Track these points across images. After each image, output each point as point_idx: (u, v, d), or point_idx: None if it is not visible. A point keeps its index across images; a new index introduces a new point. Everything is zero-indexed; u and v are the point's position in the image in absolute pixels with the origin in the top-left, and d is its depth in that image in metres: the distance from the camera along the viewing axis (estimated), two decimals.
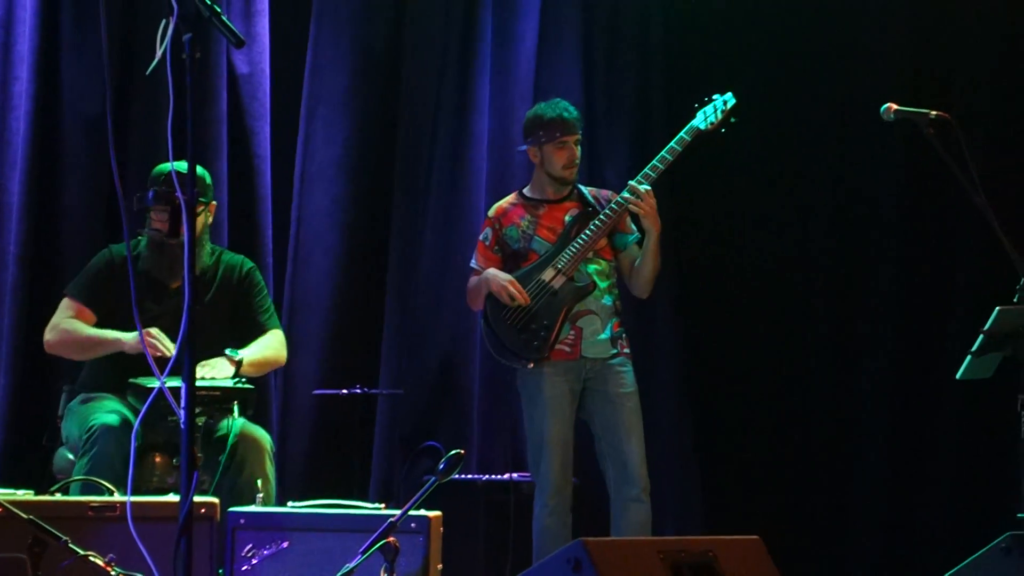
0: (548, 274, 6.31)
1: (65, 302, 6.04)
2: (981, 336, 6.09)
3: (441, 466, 4.64)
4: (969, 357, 6.18)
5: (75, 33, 6.91)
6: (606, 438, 6.32)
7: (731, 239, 7.96)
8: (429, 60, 7.66)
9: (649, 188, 6.29)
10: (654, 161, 6.33)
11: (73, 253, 6.81)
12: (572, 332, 6.32)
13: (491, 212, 6.55)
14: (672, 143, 6.35)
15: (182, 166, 3.93)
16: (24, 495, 4.89)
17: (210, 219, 6.16)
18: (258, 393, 6.02)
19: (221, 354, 5.86)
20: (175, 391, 4.04)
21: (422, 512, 5.11)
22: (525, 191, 6.54)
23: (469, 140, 7.64)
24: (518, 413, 7.48)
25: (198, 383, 5.44)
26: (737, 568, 4.26)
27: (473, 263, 6.52)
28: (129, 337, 5.76)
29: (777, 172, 7.93)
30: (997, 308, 6.01)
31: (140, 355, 5.34)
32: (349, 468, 7.25)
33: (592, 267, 6.38)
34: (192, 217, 3.84)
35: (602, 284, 6.37)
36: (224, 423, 5.69)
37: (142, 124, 6.93)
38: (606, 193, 6.53)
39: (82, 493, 5.28)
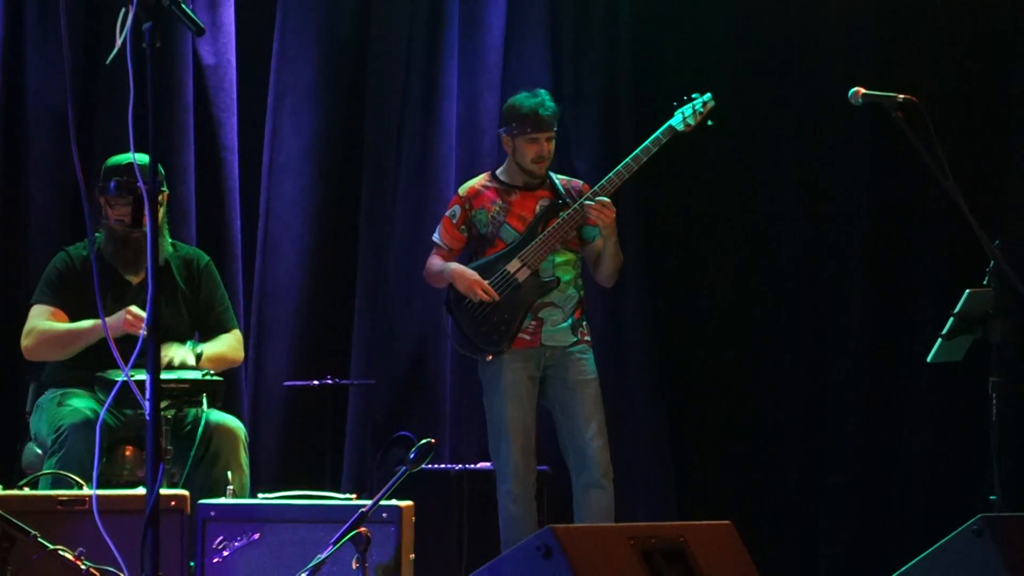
0: (513, 265, 6.32)
1: (35, 309, 5.94)
2: (951, 319, 6.12)
3: (412, 455, 4.63)
4: (940, 340, 6.21)
5: (39, 25, 6.87)
6: (566, 426, 6.35)
7: (700, 224, 7.96)
8: (396, 48, 7.63)
9: (607, 200, 6.27)
10: (625, 161, 6.36)
11: (39, 245, 6.77)
12: (533, 322, 6.35)
13: (462, 191, 6.54)
14: (647, 143, 6.37)
15: (139, 157, 3.90)
16: None
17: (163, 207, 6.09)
18: (228, 385, 5.99)
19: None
20: (141, 384, 4.02)
21: (394, 502, 5.10)
22: (498, 172, 6.54)
23: (437, 128, 7.62)
24: None
25: (165, 375, 5.42)
26: (709, 553, 4.25)
27: (436, 238, 6.53)
28: (109, 321, 5.66)
29: (745, 156, 7.93)
30: (967, 291, 6.04)
31: (107, 347, 5.31)
32: (321, 459, 7.24)
33: (559, 258, 6.38)
34: (155, 207, 3.82)
35: (566, 277, 6.39)
36: (193, 414, 5.66)
37: (106, 116, 6.90)
38: (577, 184, 6.55)
39: (51, 487, 5.25)
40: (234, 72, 7.27)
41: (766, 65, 7.94)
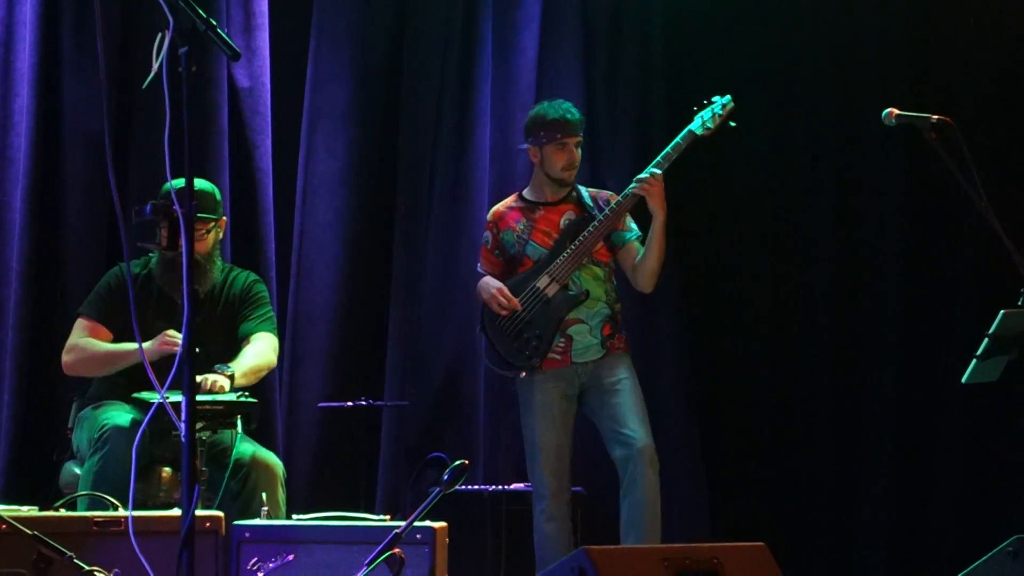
0: (542, 281, 6.32)
1: (79, 322, 6.04)
2: (986, 339, 6.08)
3: (446, 477, 4.64)
4: (974, 361, 6.16)
5: (75, 49, 6.91)
6: (608, 424, 6.28)
7: (735, 244, 7.95)
8: (430, 71, 7.66)
9: (659, 172, 6.27)
10: (658, 159, 6.31)
11: (76, 269, 6.82)
12: (563, 340, 6.33)
13: (489, 216, 6.57)
14: (667, 149, 6.33)
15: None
16: (28, 511, 4.89)
17: (220, 235, 6.17)
18: (262, 406, 6.01)
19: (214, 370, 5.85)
20: (176, 405, 4.04)
21: (427, 523, 5.10)
22: (524, 192, 6.55)
23: (471, 151, 7.64)
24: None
25: (200, 397, 5.45)
26: (742, 575, 4.25)
27: (479, 267, 6.55)
28: (147, 345, 5.74)
29: (780, 178, 7.93)
30: (1002, 311, 6.00)
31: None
32: (355, 480, 7.25)
33: (587, 274, 6.37)
34: (191, 230, 3.84)
35: (595, 292, 6.37)
36: (227, 437, 5.69)
37: (142, 139, 6.94)
38: (605, 194, 6.51)
39: (87, 508, 5.27)
40: (269, 95, 7.30)
41: (799, 84, 7.93)
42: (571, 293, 6.32)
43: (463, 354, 7.53)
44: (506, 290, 6.32)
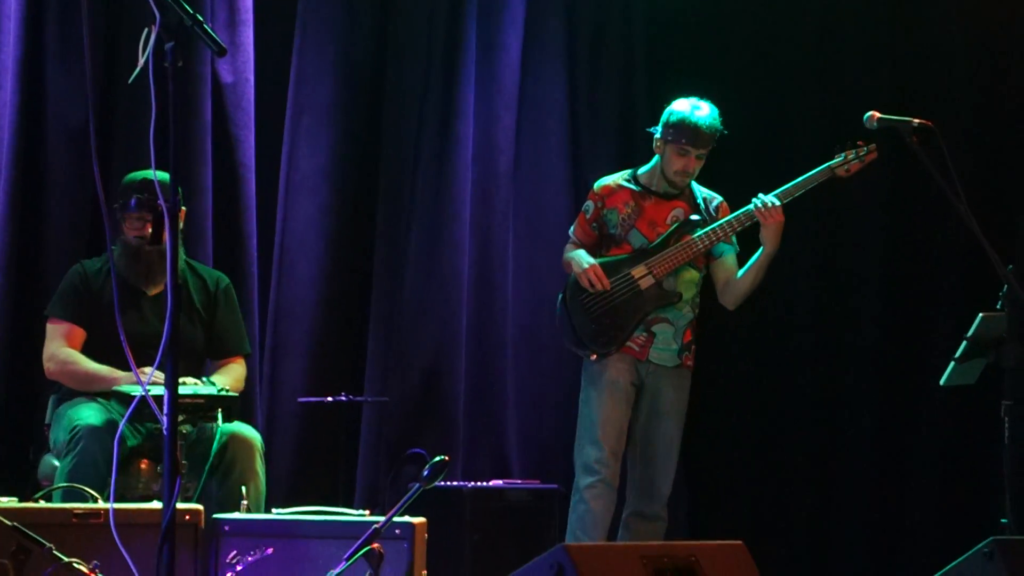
0: (638, 271, 6.26)
1: (52, 327, 6.02)
2: (964, 342, 6.12)
3: (425, 472, 4.65)
4: (952, 363, 6.21)
5: (59, 43, 6.89)
6: (642, 446, 6.31)
7: None
8: (413, 69, 7.67)
9: (779, 203, 6.22)
10: (787, 186, 6.27)
11: (58, 263, 6.79)
12: (644, 335, 6.28)
13: (596, 187, 6.46)
14: (800, 179, 6.28)
15: (159, 175, 4.04)
16: (8, 502, 4.88)
17: (181, 224, 6.16)
18: (242, 400, 6.03)
19: (200, 364, 5.89)
20: (158, 399, 4.05)
21: (407, 518, 5.11)
22: (640, 173, 6.46)
23: (454, 148, 7.65)
24: (503, 420, 7.51)
25: (181, 391, 5.45)
26: (720, 573, 4.26)
27: (571, 232, 6.50)
28: (123, 376, 5.77)
29: (762, 179, 7.93)
30: (980, 315, 6.04)
31: (125, 362, 5.36)
32: (334, 475, 7.26)
33: (684, 275, 6.34)
34: (175, 224, 3.85)
35: (687, 295, 6.33)
36: (209, 427, 5.71)
37: (126, 133, 6.91)
38: (716, 200, 6.48)
39: (66, 500, 5.27)
40: (252, 91, 7.29)
41: (783, 85, 7.97)
42: (666, 290, 6.28)
43: (444, 350, 7.54)
44: (600, 269, 6.25)
